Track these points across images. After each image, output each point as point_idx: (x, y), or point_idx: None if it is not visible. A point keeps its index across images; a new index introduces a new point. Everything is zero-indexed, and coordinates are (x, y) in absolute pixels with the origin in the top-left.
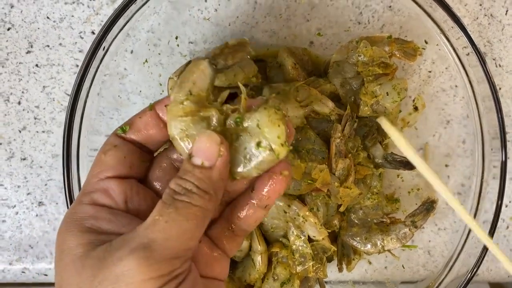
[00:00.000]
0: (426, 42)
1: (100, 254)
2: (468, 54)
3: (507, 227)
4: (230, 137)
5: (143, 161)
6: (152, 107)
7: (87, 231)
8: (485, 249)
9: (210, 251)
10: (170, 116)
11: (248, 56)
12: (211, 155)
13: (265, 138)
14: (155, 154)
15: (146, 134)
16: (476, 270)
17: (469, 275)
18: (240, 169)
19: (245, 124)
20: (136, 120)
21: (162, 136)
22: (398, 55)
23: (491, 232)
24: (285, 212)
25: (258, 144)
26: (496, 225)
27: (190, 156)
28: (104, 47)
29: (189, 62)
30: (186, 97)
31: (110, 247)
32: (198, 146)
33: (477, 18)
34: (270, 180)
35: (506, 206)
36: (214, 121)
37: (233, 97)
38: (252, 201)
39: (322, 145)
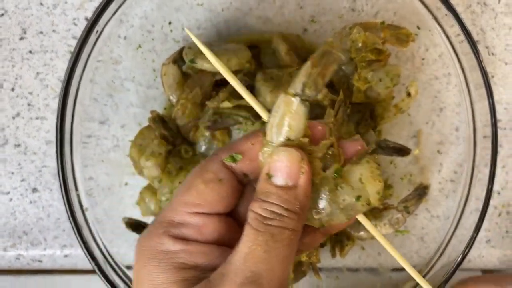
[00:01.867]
0: (418, 28)
1: None
2: (461, 42)
3: (499, 215)
4: (329, 186)
5: (238, 196)
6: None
7: (181, 267)
8: (475, 233)
9: None
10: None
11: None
12: (294, 173)
13: (366, 193)
14: None
15: (257, 165)
16: (467, 254)
17: (459, 258)
18: (333, 218)
19: (347, 176)
20: (247, 146)
21: None
22: (390, 41)
23: (482, 217)
24: None
25: (358, 198)
26: (486, 210)
27: (268, 175)
28: (97, 31)
29: (183, 48)
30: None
31: (209, 283)
32: (278, 165)
33: (470, 6)
34: None
35: (499, 193)
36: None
37: (225, 83)
38: (320, 229)
39: None
